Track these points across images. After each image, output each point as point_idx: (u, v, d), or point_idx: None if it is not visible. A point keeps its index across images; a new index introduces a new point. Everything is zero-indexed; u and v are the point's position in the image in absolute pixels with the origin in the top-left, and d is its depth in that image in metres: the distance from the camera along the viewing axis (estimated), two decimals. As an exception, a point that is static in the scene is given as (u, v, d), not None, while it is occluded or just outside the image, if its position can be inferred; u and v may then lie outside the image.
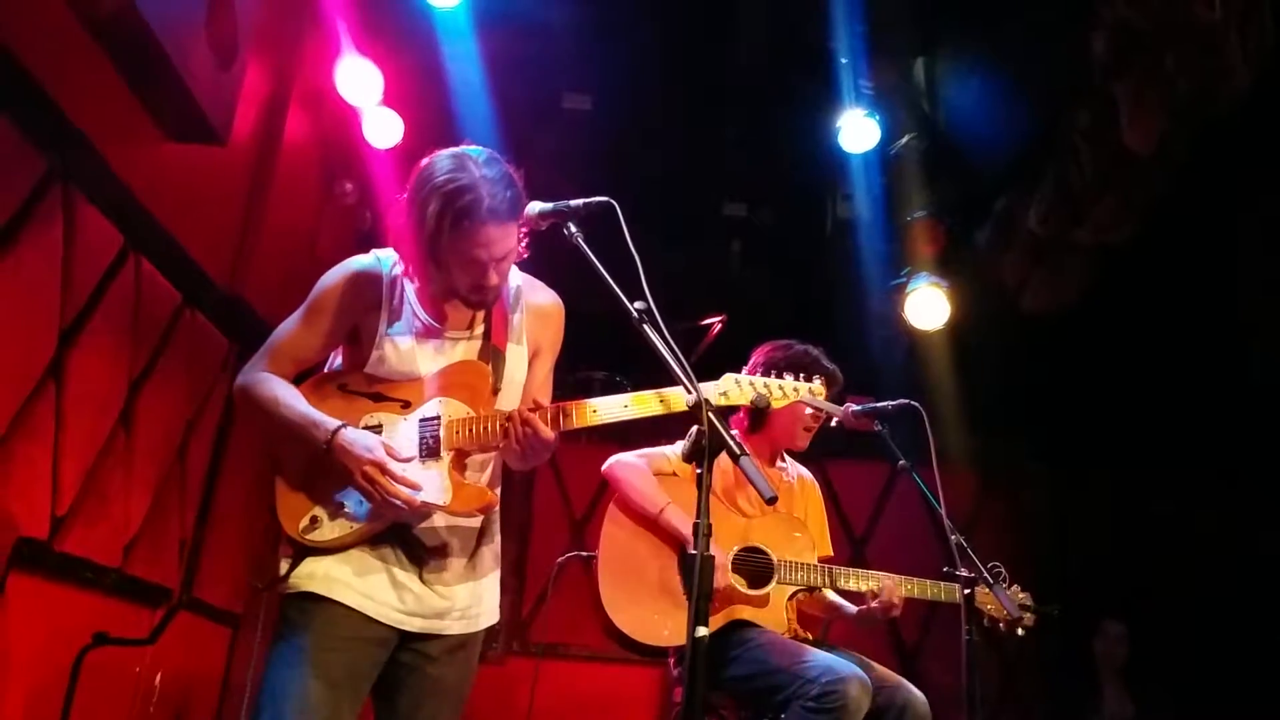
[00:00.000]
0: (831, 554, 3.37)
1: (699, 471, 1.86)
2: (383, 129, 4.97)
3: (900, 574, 3.18)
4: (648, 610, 3.06)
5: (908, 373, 5.40)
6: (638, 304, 2.06)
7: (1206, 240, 4.57)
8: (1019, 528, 5.62)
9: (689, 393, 1.94)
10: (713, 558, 1.81)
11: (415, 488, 2.12)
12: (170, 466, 4.04)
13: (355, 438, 2.11)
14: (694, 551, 1.79)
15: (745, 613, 3.07)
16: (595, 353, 5.53)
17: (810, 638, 3.23)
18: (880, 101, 5.09)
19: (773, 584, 3.11)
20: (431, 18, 4.78)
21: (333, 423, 2.13)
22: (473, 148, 2.18)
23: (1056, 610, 2.99)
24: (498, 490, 2.37)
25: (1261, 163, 4.12)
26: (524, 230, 2.21)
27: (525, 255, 2.26)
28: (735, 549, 3.13)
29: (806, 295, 5.94)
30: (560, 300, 2.44)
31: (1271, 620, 4.73)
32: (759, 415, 3.36)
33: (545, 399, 2.34)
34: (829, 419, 3.30)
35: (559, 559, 4.44)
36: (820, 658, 2.84)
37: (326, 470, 2.14)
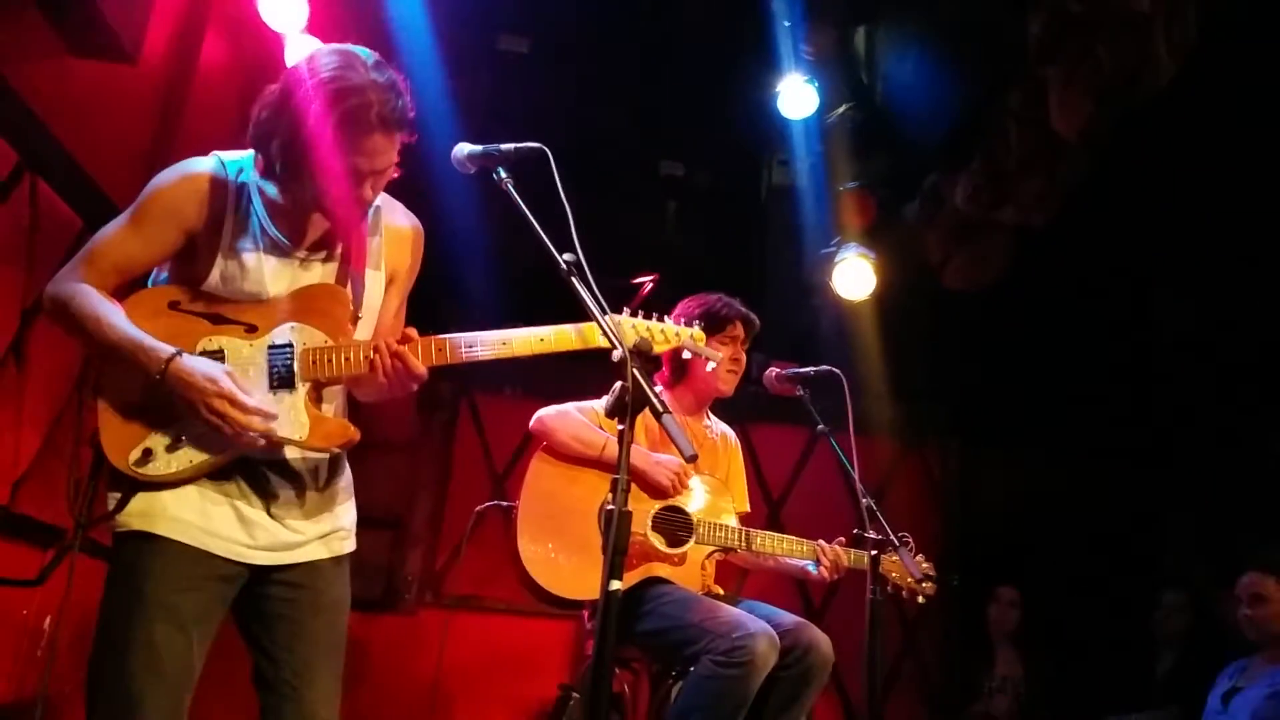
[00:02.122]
0: (749, 510, 3.42)
1: (621, 428, 1.84)
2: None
3: (813, 537, 3.24)
4: (565, 563, 3.05)
5: (834, 340, 5.47)
6: (566, 255, 2.02)
7: (1122, 227, 4.71)
8: (929, 495, 5.78)
9: (615, 347, 1.91)
10: (629, 513, 1.80)
11: (271, 417, 1.97)
12: (66, 402, 3.86)
13: (194, 365, 1.91)
14: (611, 506, 1.78)
15: (662, 570, 3.09)
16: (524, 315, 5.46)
17: (723, 593, 3.28)
18: (820, 69, 5.08)
19: (690, 543, 3.13)
20: (363, -56, 4.60)
21: (166, 349, 1.91)
22: (359, 47, 2.00)
23: (956, 580, 3.08)
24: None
25: (1179, 153, 4.25)
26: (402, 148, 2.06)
27: (398, 174, 2.11)
28: (656, 507, 3.14)
29: (739, 258, 5.96)
30: (419, 223, 2.30)
31: (1149, 589, 4.99)
32: (680, 366, 3.39)
33: (397, 330, 2.22)
34: (750, 362, 3.37)
35: (478, 508, 4.40)
36: (731, 614, 2.88)
37: (161, 397, 1.94)
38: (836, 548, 3.18)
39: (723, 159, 6.25)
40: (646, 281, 5.89)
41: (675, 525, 3.15)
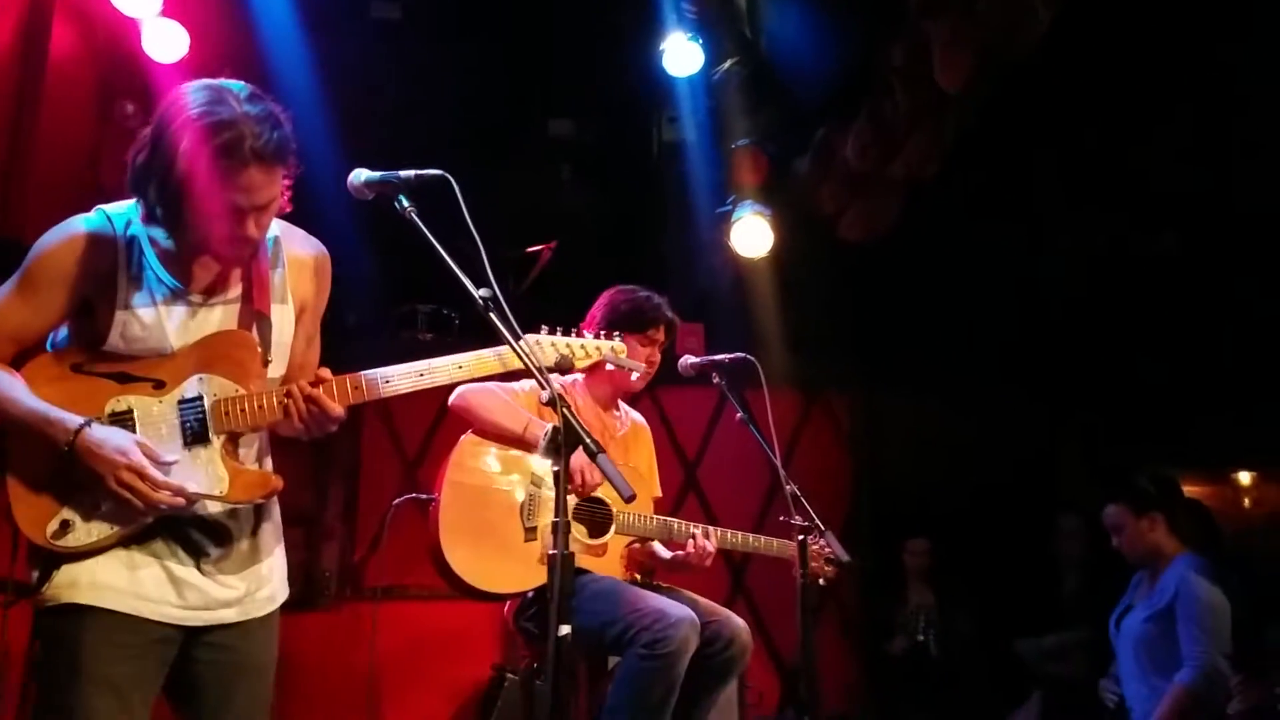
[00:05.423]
0: (660, 495, 3.47)
1: (556, 469, 1.84)
2: (165, 41, 4.49)
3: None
4: (488, 556, 3.05)
5: (734, 297, 5.53)
6: (482, 291, 1.98)
7: (1008, 174, 4.87)
8: (838, 443, 5.98)
9: (543, 389, 1.89)
10: (573, 555, 1.83)
11: (179, 490, 1.93)
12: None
13: (104, 437, 1.88)
14: (554, 550, 1.79)
15: (584, 561, 3.11)
16: (419, 284, 5.33)
17: (638, 579, 3.34)
18: (703, 26, 5.03)
19: (611, 533, 3.18)
20: (218, -81, 4.32)
21: (73, 420, 1.87)
22: (232, 81, 1.95)
23: (860, 563, 3.19)
24: (270, 463, 2.20)
25: (1055, 102, 4.39)
26: (288, 180, 2.00)
27: (289, 209, 2.05)
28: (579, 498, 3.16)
29: (635, 219, 5.92)
30: (325, 249, 2.24)
31: (1049, 517, 5.30)
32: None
33: (314, 359, 2.22)
34: (668, 357, 3.39)
35: (395, 501, 4.34)
36: (653, 603, 2.94)
37: (73, 466, 1.89)
38: (715, 535, 3.22)
39: (612, 117, 6.16)
40: (544, 249, 5.83)
41: (596, 516, 3.19)
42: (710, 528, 3.25)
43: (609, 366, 2.44)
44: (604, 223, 5.91)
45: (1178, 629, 3.65)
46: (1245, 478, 6.79)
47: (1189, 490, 5.59)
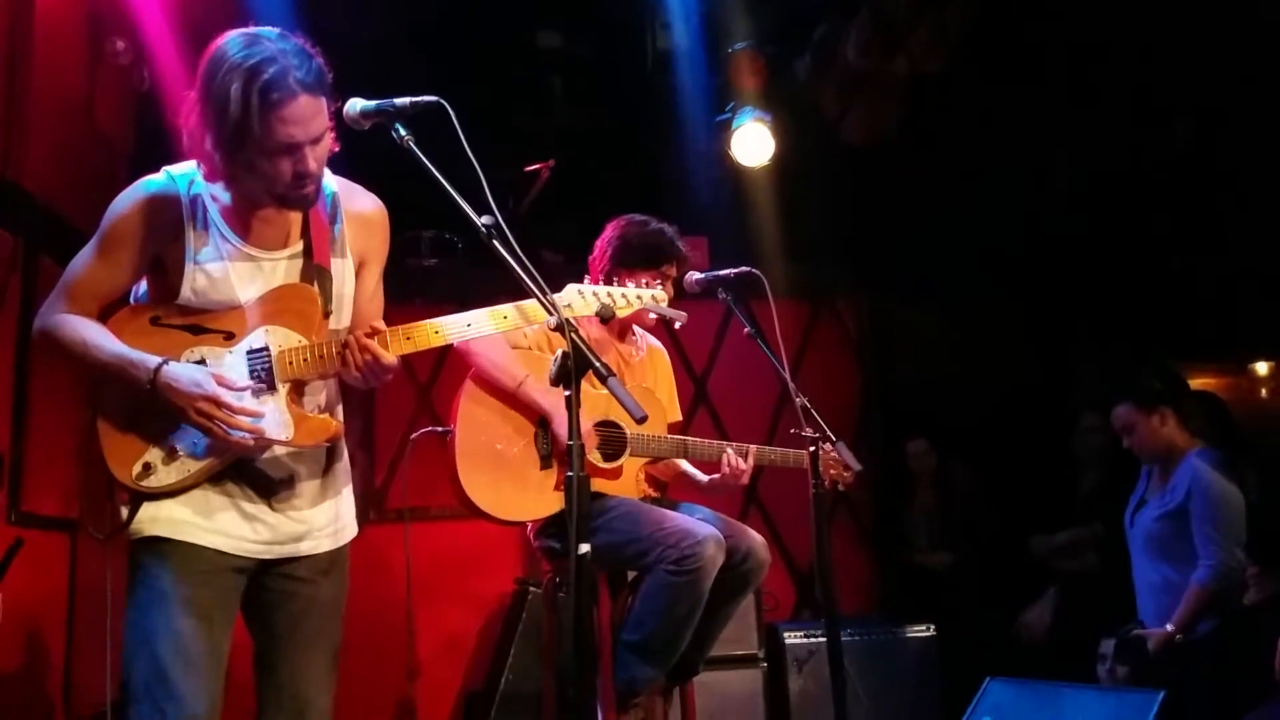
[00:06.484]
0: (681, 419, 3.48)
1: (567, 394, 1.86)
2: (150, -27, 4.39)
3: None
4: (506, 486, 3.10)
5: (736, 208, 5.47)
6: (485, 219, 1.99)
7: (1015, 68, 4.74)
8: (846, 351, 5.97)
9: (550, 314, 1.91)
10: (588, 477, 1.86)
11: (257, 416, 2.05)
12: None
13: (180, 373, 2.02)
14: (570, 473, 1.83)
15: (600, 485, 3.14)
16: (422, 207, 5.27)
17: (657, 496, 3.39)
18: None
19: (626, 456, 3.20)
20: None
21: (153, 359, 2.02)
22: (262, 28, 2.03)
23: (860, 467, 3.23)
24: (340, 411, 2.31)
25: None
26: (331, 115, 2.06)
27: (337, 148, 2.11)
28: (592, 423, 3.18)
29: (632, 133, 5.81)
30: (382, 204, 2.33)
31: (1065, 416, 5.32)
32: None
33: (377, 311, 2.30)
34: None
35: (413, 435, 4.39)
36: (677, 522, 3.00)
37: (153, 411, 2.04)
38: (750, 452, 3.24)
39: (603, 26, 5.99)
40: (542, 168, 5.74)
41: (610, 439, 3.21)
42: (748, 446, 3.27)
43: (651, 316, 2.40)
44: (599, 137, 5.81)
45: (1191, 526, 3.70)
46: (1263, 368, 6.76)
47: (1205, 384, 5.61)
